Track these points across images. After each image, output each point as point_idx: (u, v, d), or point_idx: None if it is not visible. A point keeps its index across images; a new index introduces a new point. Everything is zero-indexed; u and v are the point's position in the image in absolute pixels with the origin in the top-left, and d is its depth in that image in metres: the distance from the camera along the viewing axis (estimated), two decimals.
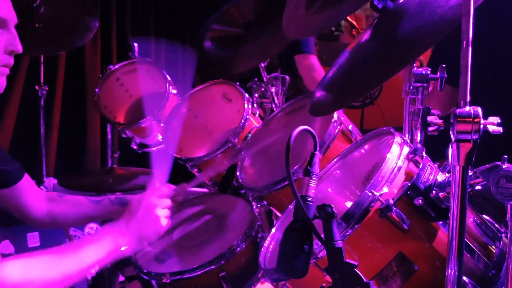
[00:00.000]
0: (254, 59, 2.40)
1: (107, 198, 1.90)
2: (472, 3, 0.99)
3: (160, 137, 2.49)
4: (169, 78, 2.55)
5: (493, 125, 1.04)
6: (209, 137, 2.27)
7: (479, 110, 0.99)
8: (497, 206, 1.17)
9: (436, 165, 1.27)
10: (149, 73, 2.66)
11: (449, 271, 1.05)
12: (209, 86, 2.36)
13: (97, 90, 2.66)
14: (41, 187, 3.10)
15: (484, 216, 1.30)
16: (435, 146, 1.32)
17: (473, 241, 1.21)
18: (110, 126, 3.00)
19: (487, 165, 1.15)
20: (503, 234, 1.26)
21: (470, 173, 1.07)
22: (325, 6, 1.45)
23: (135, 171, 2.79)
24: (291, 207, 1.49)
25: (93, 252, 1.53)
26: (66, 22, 2.84)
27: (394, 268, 1.16)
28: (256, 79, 2.36)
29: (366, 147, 1.52)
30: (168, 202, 1.65)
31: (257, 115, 2.22)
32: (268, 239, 1.45)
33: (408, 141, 1.33)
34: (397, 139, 1.27)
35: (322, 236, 1.04)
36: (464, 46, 1.00)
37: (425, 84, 1.39)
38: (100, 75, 2.72)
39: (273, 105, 2.28)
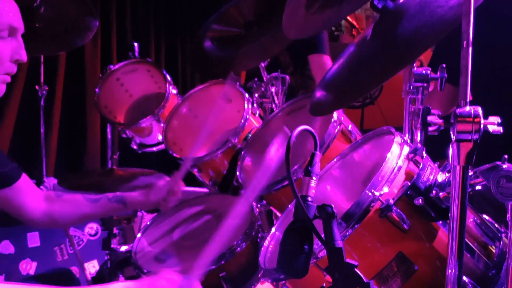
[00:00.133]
0: (254, 59, 2.40)
1: (105, 196, 1.90)
2: (472, 3, 0.99)
3: (160, 137, 2.50)
4: (169, 78, 2.55)
5: (493, 125, 1.04)
6: (209, 137, 2.27)
7: (480, 110, 0.99)
8: (497, 206, 1.17)
9: (436, 165, 1.27)
10: (149, 73, 2.66)
11: (449, 271, 1.04)
12: (209, 86, 2.36)
13: (97, 90, 2.66)
14: (41, 187, 3.10)
15: (484, 216, 1.30)
16: (435, 146, 1.32)
17: (473, 241, 1.21)
18: (110, 126, 3.00)
19: (487, 165, 1.15)
20: (503, 234, 1.26)
21: (470, 173, 1.07)
22: (325, 6, 1.45)
23: (134, 172, 2.79)
24: (291, 207, 1.49)
25: None
26: (66, 22, 2.84)
27: (394, 268, 1.16)
28: (256, 79, 2.36)
29: (366, 147, 1.52)
30: None
31: (257, 115, 2.22)
32: (268, 239, 1.45)
33: (408, 141, 1.33)
34: (397, 139, 1.27)
35: (322, 236, 1.04)
36: (464, 46, 1.00)
37: (425, 84, 1.39)
38: (100, 75, 2.72)
39: (273, 105, 2.28)
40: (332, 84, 1.44)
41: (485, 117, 1.01)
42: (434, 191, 1.18)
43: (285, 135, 1.11)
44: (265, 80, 2.31)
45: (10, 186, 1.79)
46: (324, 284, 1.21)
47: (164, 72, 2.58)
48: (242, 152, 1.99)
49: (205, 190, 2.32)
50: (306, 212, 1.04)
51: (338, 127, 1.71)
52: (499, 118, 1.05)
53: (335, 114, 1.71)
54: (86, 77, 4.02)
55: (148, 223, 2.07)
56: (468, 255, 1.18)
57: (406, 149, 1.23)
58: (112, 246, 2.49)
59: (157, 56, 4.37)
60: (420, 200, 1.16)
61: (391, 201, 1.14)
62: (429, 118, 1.17)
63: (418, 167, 1.22)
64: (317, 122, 1.81)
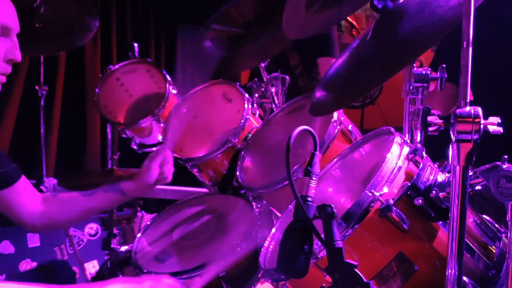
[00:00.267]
0: (254, 59, 2.40)
1: (100, 189, 1.88)
2: (472, 3, 0.99)
3: (160, 137, 2.50)
4: (169, 78, 2.55)
5: (493, 125, 1.04)
6: (209, 137, 2.27)
7: (479, 110, 0.99)
8: (497, 206, 1.17)
9: (436, 165, 1.27)
10: (149, 73, 2.66)
11: (449, 271, 1.05)
12: (209, 86, 2.36)
13: (97, 90, 2.66)
14: (41, 187, 3.10)
15: (484, 216, 1.30)
16: (435, 146, 1.32)
17: (473, 241, 1.21)
18: (110, 126, 3.00)
19: (487, 165, 1.15)
20: (503, 234, 1.26)
21: (470, 173, 1.07)
22: (325, 6, 1.45)
23: (134, 172, 2.79)
24: (291, 207, 1.49)
25: None
26: (66, 22, 2.84)
27: (394, 268, 1.16)
28: (256, 79, 2.36)
29: (366, 147, 1.52)
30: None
31: (257, 115, 2.22)
32: (268, 239, 1.45)
33: (408, 141, 1.33)
34: (397, 139, 1.27)
35: (322, 236, 1.04)
36: (464, 46, 1.00)
37: (425, 84, 1.39)
38: (100, 75, 2.71)
39: (273, 105, 2.28)
40: (332, 84, 1.44)
41: (485, 117, 1.02)
42: (434, 191, 1.18)
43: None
44: (265, 80, 2.31)
45: (8, 187, 1.77)
46: (324, 284, 1.20)
47: (164, 72, 2.58)
48: (242, 152, 1.99)
49: (205, 190, 2.32)
50: (306, 212, 1.04)
51: (338, 127, 1.71)
52: (499, 118, 1.05)
53: (335, 114, 1.71)
54: (86, 77, 4.02)
55: (148, 223, 2.07)
56: (468, 255, 1.18)
57: (406, 149, 1.23)
58: (112, 246, 2.49)
59: (157, 56, 4.37)
60: (420, 200, 1.16)
61: (391, 201, 1.14)
62: (429, 118, 1.17)
63: (418, 167, 1.22)
64: (317, 122, 1.81)
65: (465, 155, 1.01)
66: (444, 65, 1.37)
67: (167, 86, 2.49)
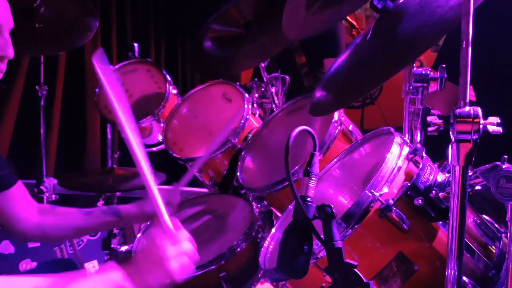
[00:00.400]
0: (254, 59, 2.40)
1: (99, 209, 1.80)
2: (472, 3, 0.99)
3: (160, 137, 2.50)
4: (169, 78, 2.55)
5: (493, 125, 1.04)
6: (209, 137, 2.27)
7: (479, 110, 1.00)
8: (497, 206, 1.17)
9: (436, 165, 1.27)
10: (149, 73, 2.66)
11: (449, 271, 1.05)
12: (209, 86, 2.36)
13: (97, 90, 2.66)
14: (41, 187, 3.10)
15: (484, 216, 1.30)
16: (435, 146, 1.32)
17: (473, 241, 1.21)
18: (110, 126, 3.00)
19: (487, 165, 1.15)
20: (503, 234, 1.26)
21: (470, 173, 1.07)
22: (325, 6, 1.45)
23: (134, 171, 2.79)
24: (291, 207, 1.49)
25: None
26: (66, 22, 2.84)
27: (394, 268, 1.16)
28: (256, 79, 2.36)
29: (366, 147, 1.52)
30: (179, 238, 1.27)
31: (257, 115, 2.22)
32: (268, 239, 1.45)
33: (408, 141, 1.33)
34: (397, 139, 1.27)
35: (322, 236, 1.04)
36: (464, 46, 1.00)
37: (425, 84, 1.39)
38: None
39: (273, 105, 2.28)
40: (332, 84, 1.45)
41: (485, 117, 1.02)
42: (433, 191, 1.18)
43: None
44: (265, 80, 2.31)
45: (2, 192, 1.70)
46: (324, 284, 1.21)
47: (164, 72, 2.58)
48: (242, 152, 1.99)
49: (205, 190, 2.32)
50: (305, 213, 1.04)
51: (339, 127, 1.71)
52: (498, 118, 1.05)
53: (336, 115, 1.71)
54: (86, 77, 4.01)
55: (148, 223, 2.07)
56: (468, 255, 1.18)
57: (406, 150, 1.23)
58: (112, 246, 2.49)
59: (157, 56, 4.36)
60: (420, 200, 1.16)
61: (391, 201, 1.14)
62: (429, 118, 1.17)
63: (417, 167, 1.22)
64: (317, 123, 1.81)
65: (465, 155, 1.01)
66: (444, 65, 1.37)
67: (167, 86, 2.50)
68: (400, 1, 1.35)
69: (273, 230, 1.48)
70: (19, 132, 3.68)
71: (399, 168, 1.19)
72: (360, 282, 1.01)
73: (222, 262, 1.69)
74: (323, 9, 1.46)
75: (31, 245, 2.99)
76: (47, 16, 2.79)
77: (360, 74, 1.34)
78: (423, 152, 1.25)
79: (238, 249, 1.72)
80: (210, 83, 2.36)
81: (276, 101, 2.27)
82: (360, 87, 1.32)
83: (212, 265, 1.69)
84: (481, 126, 0.99)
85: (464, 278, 1.14)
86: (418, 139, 1.37)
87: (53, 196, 3.10)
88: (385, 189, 1.16)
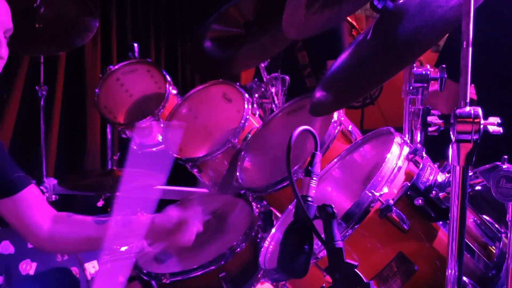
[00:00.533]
0: (254, 59, 2.40)
1: (113, 220, 1.70)
2: (472, 3, 0.99)
3: (160, 137, 2.50)
4: (169, 78, 2.55)
5: (493, 125, 1.04)
6: (209, 137, 2.27)
7: (479, 110, 1.00)
8: (497, 206, 1.17)
9: (436, 165, 1.27)
10: (149, 73, 2.66)
11: (449, 271, 1.04)
12: (209, 86, 2.36)
13: (97, 90, 2.66)
14: (41, 187, 3.10)
15: (484, 216, 1.30)
16: (435, 147, 1.32)
17: (473, 241, 1.21)
18: (110, 126, 3.00)
19: (487, 165, 1.15)
20: (503, 234, 1.26)
21: (470, 173, 1.07)
22: (325, 6, 1.45)
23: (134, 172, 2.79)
24: (291, 207, 1.49)
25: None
26: (66, 22, 2.84)
27: (394, 268, 1.16)
28: (256, 79, 2.36)
29: (366, 147, 1.52)
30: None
31: (257, 115, 2.22)
32: (268, 239, 1.45)
33: (408, 141, 1.33)
34: (397, 139, 1.27)
35: (323, 236, 1.04)
36: (464, 46, 1.00)
37: (425, 84, 1.39)
38: (100, 75, 2.71)
39: (273, 105, 2.28)
40: (332, 84, 1.44)
41: (486, 117, 1.02)
42: (434, 192, 1.18)
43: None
44: (265, 81, 2.31)
45: (10, 197, 1.64)
46: (324, 285, 1.21)
47: (164, 72, 2.58)
48: (242, 152, 1.99)
49: (205, 190, 2.32)
50: (306, 212, 1.04)
51: (338, 127, 1.71)
52: (499, 118, 1.05)
53: (335, 115, 1.71)
54: (86, 77, 4.01)
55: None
56: (468, 256, 1.18)
57: (406, 150, 1.23)
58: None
59: (157, 56, 4.36)
60: (420, 200, 1.16)
61: (391, 202, 1.14)
62: (429, 118, 1.17)
63: (418, 167, 1.22)
64: (317, 123, 1.81)
65: (465, 155, 1.01)
66: (444, 66, 1.37)
67: (167, 86, 2.50)
68: (400, 1, 1.35)
69: (273, 230, 1.48)
70: (19, 132, 3.68)
71: (399, 168, 1.19)
72: (360, 282, 1.01)
73: (222, 262, 1.69)
74: (323, 9, 1.46)
75: (31, 245, 2.99)
76: (47, 16, 2.79)
77: (360, 74, 1.34)
78: (423, 152, 1.25)
79: (238, 249, 1.72)
80: (210, 83, 2.36)
81: (276, 101, 2.27)
82: (360, 87, 1.32)
83: (212, 265, 1.69)
84: (482, 126, 0.99)
85: (464, 278, 1.14)
86: (418, 139, 1.37)
87: (53, 196, 3.10)
88: (385, 189, 1.16)
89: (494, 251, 1.24)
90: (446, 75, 1.37)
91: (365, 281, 1.01)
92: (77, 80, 4.01)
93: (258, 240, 1.78)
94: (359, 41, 1.46)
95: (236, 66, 2.54)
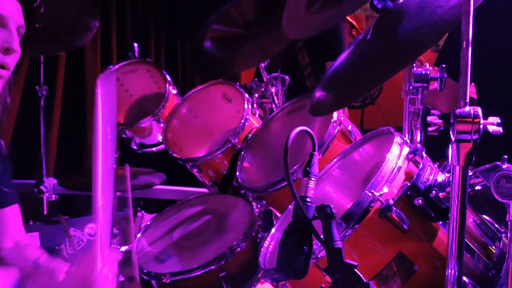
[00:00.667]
0: (254, 59, 2.40)
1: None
2: (472, 3, 0.99)
3: (160, 137, 2.50)
4: (169, 78, 2.55)
5: (493, 125, 1.04)
6: (209, 137, 2.27)
7: (479, 110, 0.99)
8: (497, 206, 1.17)
9: (436, 165, 1.27)
10: (149, 73, 2.66)
11: (449, 271, 1.04)
12: (209, 86, 2.36)
13: (97, 90, 2.65)
14: (41, 187, 3.09)
15: (484, 216, 1.30)
16: (435, 146, 1.32)
17: (473, 241, 1.21)
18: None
19: (487, 165, 1.15)
20: (503, 234, 1.26)
21: (470, 173, 1.07)
22: (325, 6, 1.45)
23: (134, 171, 2.79)
24: (291, 207, 1.49)
25: None
26: (66, 22, 2.84)
27: (394, 268, 1.16)
28: (256, 79, 2.36)
29: (366, 147, 1.52)
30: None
31: (257, 115, 2.22)
32: (268, 239, 1.45)
33: (408, 141, 1.33)
34: (397, 139, 1.26)
35: (322, 236, 1.04)
36: (464, 46, 0.99)
37: (425, 84, 1.39)
38: None
39: (273, 105, 2.28)
40: (332, 84, 1.44)
41: (485, 117, 1.01)
42: (434, 191, 1.17)
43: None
44: (265, 80, 2.31)
45: None
46: (324, 285, 1.20)
47: (164, 72, 2.58)
48: (242, 152, 1.99)
49: (205, 190, 2.32)
50: (305, 213, 1.04)
51: (338, 127, 1.71)
52: (498, 118, 1.05)
53: (335, 114, 1.71)
54: (86, 77, 4.02)
55: (148, 223, 2.07)
56: (468, 255, 1.18)
57: (406, 150, 1.23)
58: (112, 246, 2.49)
59: (157, 56, 4.36)
60: (420, 200, 1.16)
61: (391, 201, 1.14)
62: (429, 118, 1.17)
63: (417, 167, 1.22)
64: (317, 123, 1.81)
65: (465, 155, 1.00)
66: (444, 65, 1.37)
67: (167, 86, 2.49)
68: (400, 1, 1.35)
69: (273, 230, 1.48)
70: (19, 132, 3.68)
71: (399, 168, 1.19)
72: (360, 282, 1.01)
73: (222, 262, 1.70)
74: (323, 9, 1.45)
75: None
76: (47, 16, 2.78)
77: (360, 74, 1.34)
78: (423, 152, 1.25)
79: (238, 249, 1.72)
80: (210, 83, 2.36)
81: (276, 101, 2.27)
82: (360, 87, 1.32)
83: (212, 265, 1.69)
84: (481, 126, 0.99)
85: (464, 278, 1.14)
86: (418, 139, 1.37)
87: (53, 196, 3.10)
88: (385, 189, 1.16)
89: (494, 251, 1.24)
90: (446, 75, 1.37)
91: (365, 281, 1.01)
92: (77, 80, 4.01)
93: (258, 240, 1.78)
94: (359, 41, 1.46)
95: (236, 66, 2.54)
